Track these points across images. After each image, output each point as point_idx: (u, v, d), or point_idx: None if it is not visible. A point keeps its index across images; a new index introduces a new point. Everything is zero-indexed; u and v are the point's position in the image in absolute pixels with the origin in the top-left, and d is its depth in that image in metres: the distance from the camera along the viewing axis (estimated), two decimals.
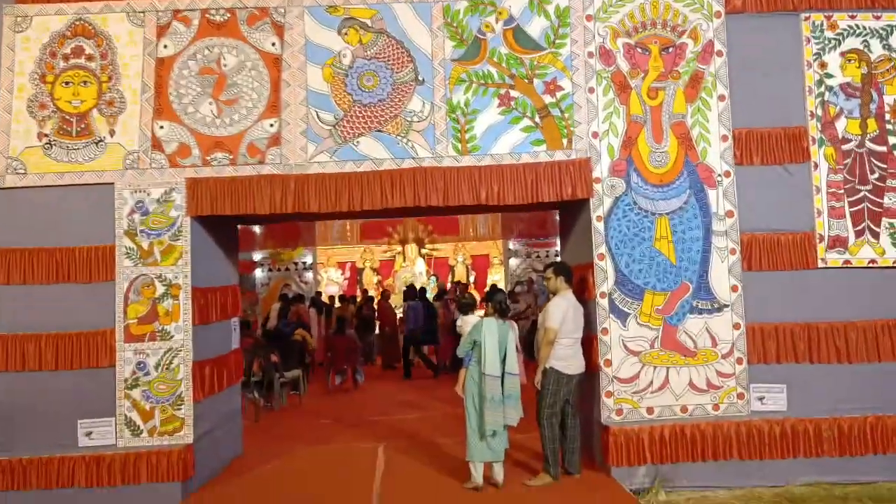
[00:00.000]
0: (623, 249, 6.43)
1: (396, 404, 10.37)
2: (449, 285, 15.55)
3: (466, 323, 6.84)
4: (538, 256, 17.72)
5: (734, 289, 6.38)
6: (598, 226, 6.48)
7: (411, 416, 9.48)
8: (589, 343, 6.41)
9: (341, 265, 20.31)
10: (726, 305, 6.37)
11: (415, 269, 20.55)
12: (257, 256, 17.40)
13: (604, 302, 6.40)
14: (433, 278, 20.24)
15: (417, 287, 19.00)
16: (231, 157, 6.51)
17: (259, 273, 17.44)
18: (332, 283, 19.86)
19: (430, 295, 15.68)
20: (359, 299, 15.71)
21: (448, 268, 20.71)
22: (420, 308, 14.06)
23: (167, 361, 6.38)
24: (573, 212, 6.98)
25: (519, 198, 6.49)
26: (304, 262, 17.69)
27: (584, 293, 6.53)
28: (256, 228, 15.91)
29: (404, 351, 13.51)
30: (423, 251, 20.67)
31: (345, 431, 8.67)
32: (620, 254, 6.42)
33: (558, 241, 18.13)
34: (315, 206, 6.50)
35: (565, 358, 6.16)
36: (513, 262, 17.80)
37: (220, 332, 7.14)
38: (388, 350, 14.50)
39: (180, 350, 6.40)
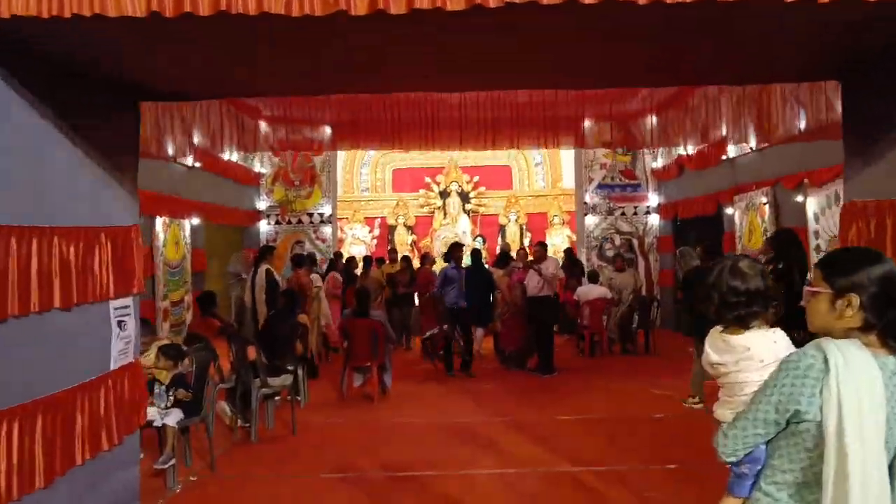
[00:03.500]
0: None
1: (449, 435, 6.15)
2: (517, 250, 10.97)
3: (747, 355, 1.96)
4: (623, 214, 13.22)
5: None
6: None
7: (481, 469, 5.21)
8: None
9: (369, 221, 16.05)
10: None
11: (457, 228, 16.28)
12: (262, 205, 13.17)
13: None
14: (479, 239, 15.99)
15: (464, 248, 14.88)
16: None
17: (264, 226, 13.22)
18: (357, 242, 15.66)
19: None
20: (394, 263, 11.37)
21: (497, 227, 16.40)
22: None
23: None
24: None
25: None
26: (322, 214, 13.42)
27: None
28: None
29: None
30: (468, 207, 16.39)
31: None
32: None
33: (652, 194, 13.70)
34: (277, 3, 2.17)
35: None
36: (589, 220, 13.36)
37: (67, 335, 2.89)
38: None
39: None
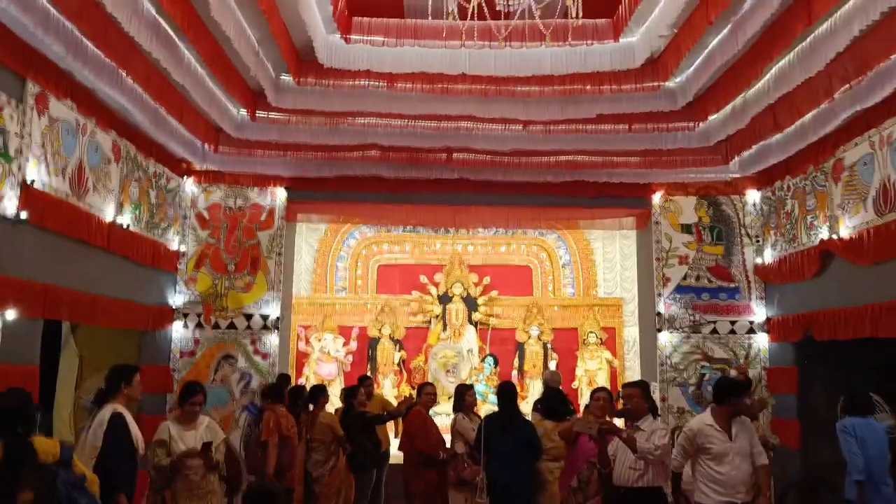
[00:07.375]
0: None
1: None
2: (579, 382, 5.76)
3: None
4: (715, 332, 8.60)
5: None
6: None
7: None
8: None
9: (344, 330, 11.44)
10: None
11: (461, 345, 11.70)
12: (177, 299, 8.56)
13: None
14: (489, 359, 11.50)
15: (468, 372, 10.48)
16: None
17: (179, 329, 8.56)
18: (327, 359, 11.02)
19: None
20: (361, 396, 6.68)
21: (514, 345, 11.86)
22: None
23: None
24: None
25: None
26: (265, 317, 8.78)
27: None
28: None
29: None
30: (475, 317, 11.94)
31: None
32: None
33: (756, 303, 8.27)
34: None
35: None
36: (665, 339, 8.75)
37: None
38: None
39: None
